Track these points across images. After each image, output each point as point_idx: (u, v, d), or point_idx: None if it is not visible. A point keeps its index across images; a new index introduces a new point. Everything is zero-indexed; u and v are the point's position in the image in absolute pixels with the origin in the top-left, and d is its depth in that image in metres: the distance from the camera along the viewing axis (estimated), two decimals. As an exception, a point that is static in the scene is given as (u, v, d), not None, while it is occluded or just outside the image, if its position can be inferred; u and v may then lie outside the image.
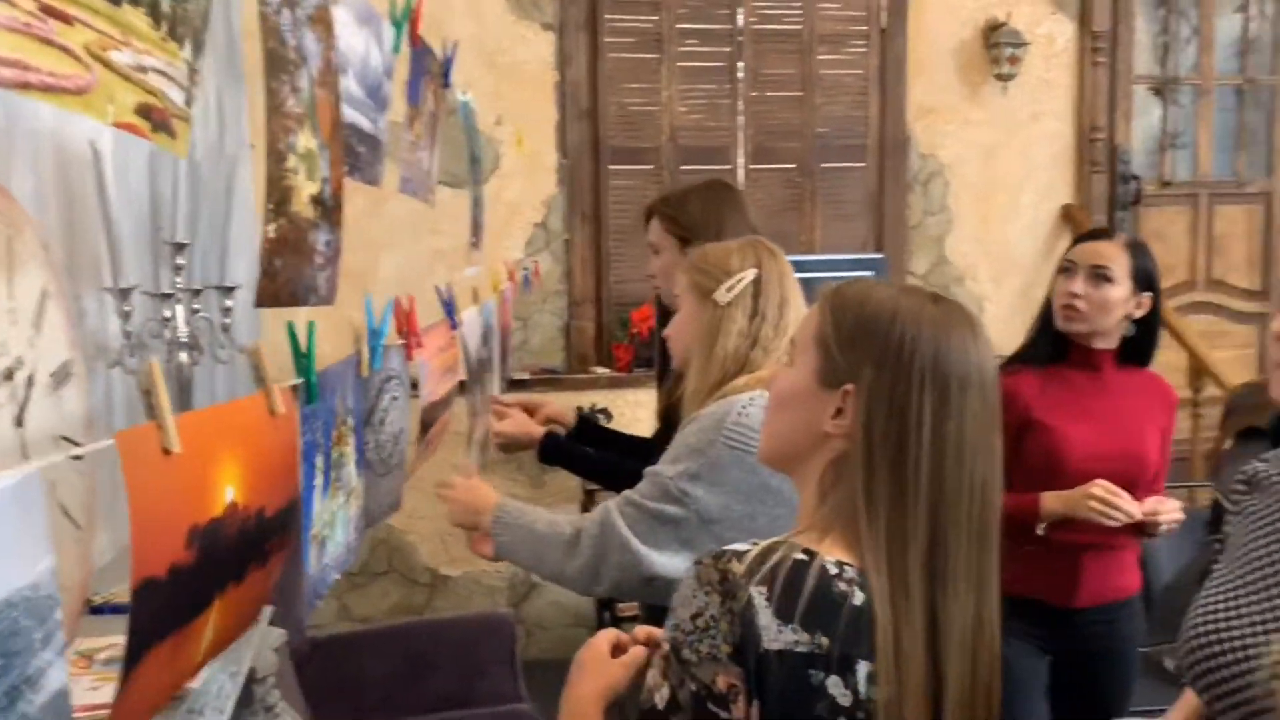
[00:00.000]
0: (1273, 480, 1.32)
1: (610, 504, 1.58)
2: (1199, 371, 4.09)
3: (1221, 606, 1.23)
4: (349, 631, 3.22)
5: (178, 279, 1.67)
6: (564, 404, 2.40)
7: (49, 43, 0.59)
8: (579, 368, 4.15)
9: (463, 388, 2.12)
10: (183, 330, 1.62)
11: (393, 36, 1.33)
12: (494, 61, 4.01)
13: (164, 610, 0.71)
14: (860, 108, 4.36)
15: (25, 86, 0.57)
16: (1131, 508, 1.93)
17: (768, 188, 4.33)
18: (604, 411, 4.09)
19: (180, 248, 1.68)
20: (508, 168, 4.07)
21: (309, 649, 2.82)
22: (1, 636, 0.59)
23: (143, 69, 0.71)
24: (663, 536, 1.51)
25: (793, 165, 4.35)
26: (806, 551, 0.97)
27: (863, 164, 4.39)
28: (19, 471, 0.62)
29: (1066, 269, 2.10)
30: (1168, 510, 1.99)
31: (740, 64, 4.28)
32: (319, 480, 1.03)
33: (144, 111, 0.71)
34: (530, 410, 2.28)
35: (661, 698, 0.95)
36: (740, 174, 4.30)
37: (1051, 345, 2.11)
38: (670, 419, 1.81)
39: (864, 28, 4.32)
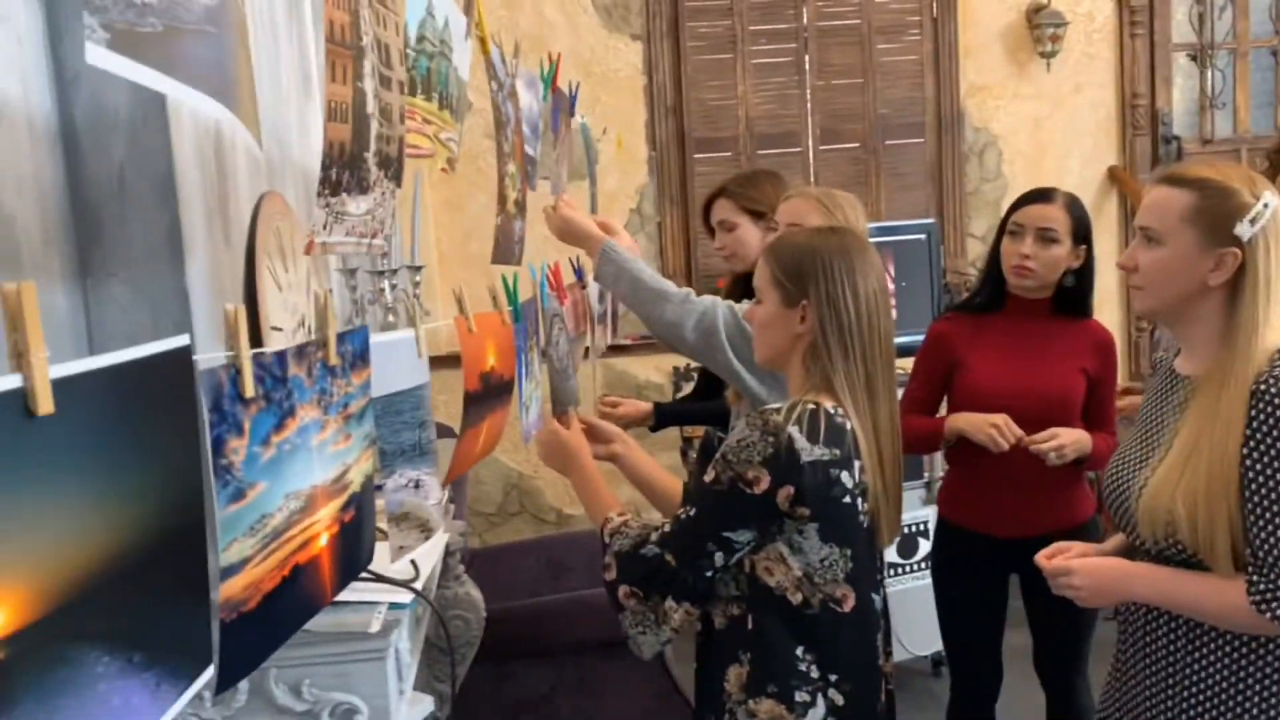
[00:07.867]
0: (1162, 361, 1.86)
1: (717, 301, 2.03)
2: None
3: (1119, 458, 1.76)
4: (500, 544, 3.95)
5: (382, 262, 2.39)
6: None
7: (420, 133, 1.26)
8: (675, 332, 4.78)
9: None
10: (389, 297, 2.34)
11: (542, 89, 1.98)
12: (589, 70, 4.66)
13: (472, 410, 1.39)
14: (917, 89, 4.89)
15: (416, 156, 1.23)
16: (1015, 438, 2.15)
17: (835, 165, 4.90)
18: (700, 370, 4.71)
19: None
20: (605, 162, 4.73)
21: (470, 557, 3.54)
22: (411, 406, 1.28)
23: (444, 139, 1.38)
24: (746, 353, 1.94)
25: (857, 144, 4.91)
26: (814, 403, 1.60)
27: (921, 140, 4.92)
28: (406, 332, 1.30)
29: (1014, 232, 2.28)
30: (1045, 441, 2.16)
31: (807, 58, 4.85)
32: (523, 370, 1.68)
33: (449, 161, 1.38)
34: (615, 404, 2.79)
35: (710, 476, 1.58)
36: (810, 155, 4.88)
37: (993, 296, 2.35)
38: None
39: (917, 18, 4.86)
